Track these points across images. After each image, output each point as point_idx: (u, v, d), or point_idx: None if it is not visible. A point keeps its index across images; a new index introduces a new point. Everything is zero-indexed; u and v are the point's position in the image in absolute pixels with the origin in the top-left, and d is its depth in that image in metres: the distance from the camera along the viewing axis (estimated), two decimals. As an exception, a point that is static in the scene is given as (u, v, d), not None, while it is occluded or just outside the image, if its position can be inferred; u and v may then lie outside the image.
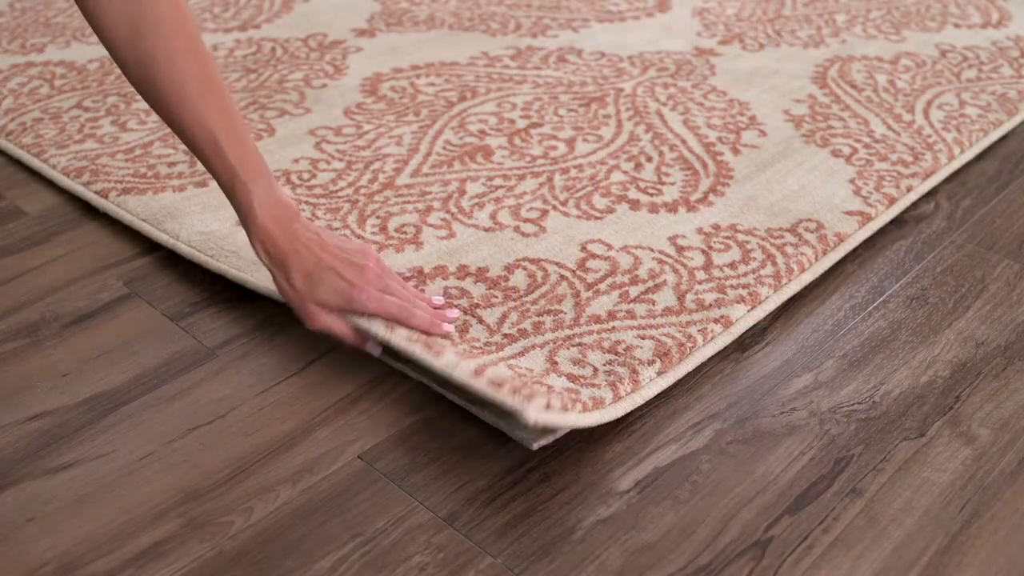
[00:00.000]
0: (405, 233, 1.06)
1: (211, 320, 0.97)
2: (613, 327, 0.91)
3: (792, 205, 1.11)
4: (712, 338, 0.91)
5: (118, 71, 1.46)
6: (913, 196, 1.14)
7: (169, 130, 1.26)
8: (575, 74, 1.44)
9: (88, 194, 1.16)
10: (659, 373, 0.87)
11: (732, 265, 1.00)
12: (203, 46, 0.86)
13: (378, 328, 0.86)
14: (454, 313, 0.92)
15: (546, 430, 0.82)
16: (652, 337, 0.90)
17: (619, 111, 1.32)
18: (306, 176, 1.17)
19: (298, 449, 0.83)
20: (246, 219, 0.88)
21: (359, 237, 1.05)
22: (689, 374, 0.90)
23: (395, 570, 0.73)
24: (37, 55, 1.55)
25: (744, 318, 0.94)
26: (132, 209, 1.12)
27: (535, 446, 0.81)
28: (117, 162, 1.21)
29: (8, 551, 0.75)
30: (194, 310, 0.99)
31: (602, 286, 0.97)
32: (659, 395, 0.87)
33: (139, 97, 1.36)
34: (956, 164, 1.20)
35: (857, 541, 0.75)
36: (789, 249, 1.03)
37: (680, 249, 1.03)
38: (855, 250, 1.06)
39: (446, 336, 0.89)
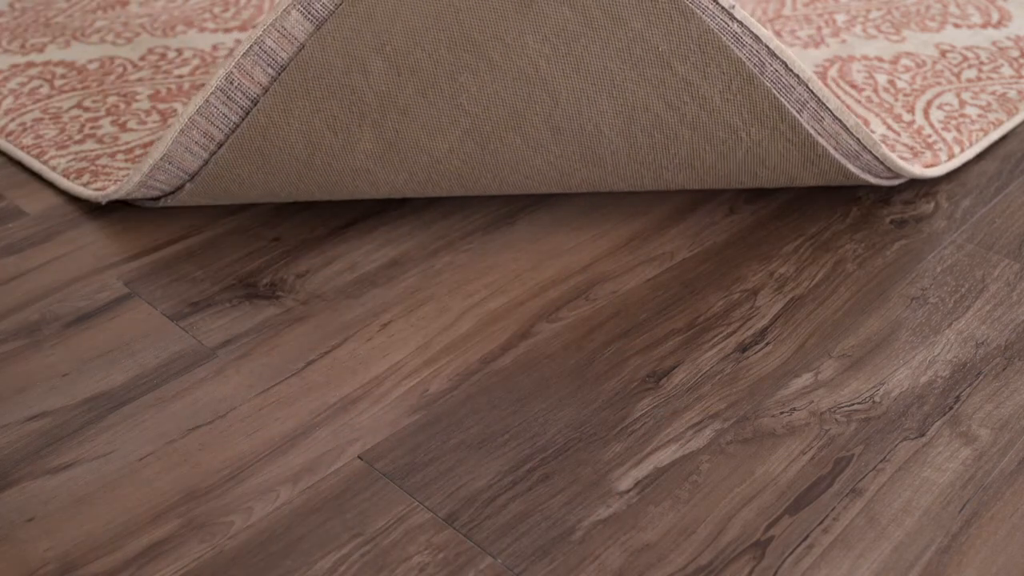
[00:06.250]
0: None
1: (211, 320, 0.97)
2: None
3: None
4: None
5: (118, 71, 1.46)
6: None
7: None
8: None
9: (87, 192, 1.16)
10: None
11: None
12: None
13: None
14: None
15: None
16: None
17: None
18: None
19: (298, 449, 0.83)
20: None
21: None
22: (689, 374, 0.90)
23: (395, 570, 0.73)
24: (37, 55, 1.55)
25: None
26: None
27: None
28: (117, 162, 1.21)
29: (8, 551, 0.75)
30: (194, 310, 0.99)
31: None
32: (658, 395, 0.87)
33: (139, 97, 1.36)
34: (957, 162, 1.20)
35: (857, 541, 0.75)
36: None
37: None
38: (854, 250, 1.06)
39: None
